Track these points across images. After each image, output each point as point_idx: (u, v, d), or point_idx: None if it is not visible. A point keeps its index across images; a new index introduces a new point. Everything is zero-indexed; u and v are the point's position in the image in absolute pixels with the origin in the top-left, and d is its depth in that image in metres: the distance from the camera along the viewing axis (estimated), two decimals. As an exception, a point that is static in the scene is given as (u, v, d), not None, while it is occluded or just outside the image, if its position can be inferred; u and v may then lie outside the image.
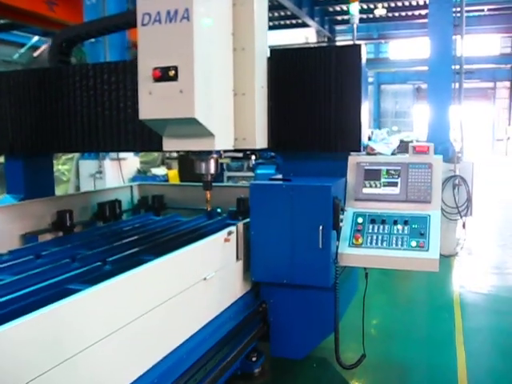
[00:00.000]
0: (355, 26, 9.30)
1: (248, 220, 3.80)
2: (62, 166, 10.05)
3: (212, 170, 3.77)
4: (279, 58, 3.93)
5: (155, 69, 3.20)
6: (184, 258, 3.09)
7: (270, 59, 3.92)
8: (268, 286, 3.78)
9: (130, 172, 9.93)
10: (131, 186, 6.06)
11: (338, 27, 24.37)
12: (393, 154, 4.74)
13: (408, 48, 29.29)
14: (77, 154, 9.70)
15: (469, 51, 16.79)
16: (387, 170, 3.81)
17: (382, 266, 3.58)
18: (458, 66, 8.52)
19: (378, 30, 29.05)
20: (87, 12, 9.31)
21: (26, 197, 4.98)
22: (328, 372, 4.29)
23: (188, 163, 9.38)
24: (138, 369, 2.63)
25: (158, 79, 3.21)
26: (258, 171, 8.92)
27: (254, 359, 3.81)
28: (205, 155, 3.71)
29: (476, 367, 4.42)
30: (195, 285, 3.15)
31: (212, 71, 3.37)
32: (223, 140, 3.59)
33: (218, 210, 5.34)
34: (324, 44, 22.52)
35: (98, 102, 4.30)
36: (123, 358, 2.52)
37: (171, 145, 3.57)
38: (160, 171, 10.31)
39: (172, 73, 3.17)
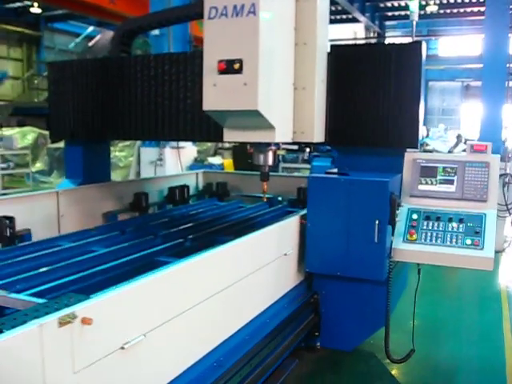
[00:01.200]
0: (414, 22, 9.15)
1: (303, 212, 3.83)
2: (120, 152, 10.32)
3: (270, 161, 3.82)
4: (339, 54, 3.93)
5: (220, 61, 3.25)
6: (261, 238, 3.23)
7: (329, 54, 3.92)
8: (321, 277, 3.81)
9: (188, 160, 10.28)
10: (197, 173, 6.41)
11: (388, 23, 24.05)
12: (449, 151, 4.67)
13: (457, 45, 28.63)
14: (138, 142, 10.02)
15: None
16: (444, 168, 3.77)
17: (436, 262, 3.56)
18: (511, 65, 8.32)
19: (428, 26, 28.51)
20: (153, 5, 9.51)
21: (84, 181, 5.13)
22: (376, 365, 4.32)
23: (241, 153, 9.61)
24: (208, 344, 2.74)
25: (222, 71, 3.26)
26: (315, 163, 9.03)
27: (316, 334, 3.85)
28: (263, 147, 3.75)
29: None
30: (264, 267, 3.24)
31: (274, 65, 3.40)
32: (283, 133, 3.63)
33: (279, 198, 5.55)
34: (373, 39, 22.28)
35: (158, 91, 4.40)
36: (202, 329, 2.67)
37: (232, 136, 3.62)
38: (216, 160, 10.58)
39: (237, 66, 3.22)
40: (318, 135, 3.84)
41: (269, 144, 3.73)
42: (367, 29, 21.97)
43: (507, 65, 8.24)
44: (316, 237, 3.67)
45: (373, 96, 3.83)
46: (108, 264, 3.21)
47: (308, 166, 9.58)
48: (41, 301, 2.36)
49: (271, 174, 3.94)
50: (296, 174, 9.15)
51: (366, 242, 3.48)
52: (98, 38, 20.88)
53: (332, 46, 3.95)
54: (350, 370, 4.21)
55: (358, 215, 3.52)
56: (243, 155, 9.44)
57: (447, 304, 5.98)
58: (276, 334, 3.22)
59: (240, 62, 3.22)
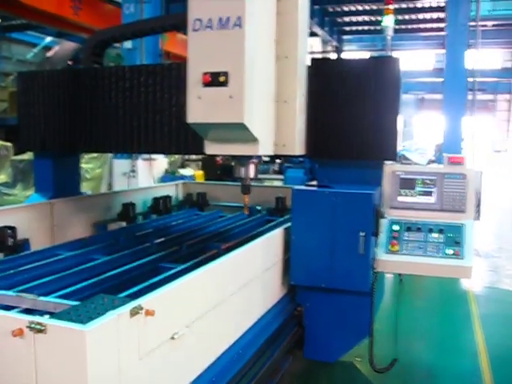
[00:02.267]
0: (389, 37, 9.32)
1: (286, 225, 3.80)
2: (86, 164, 10.19)
3: (251, 174, 3.76)
4: (319, 67, 3.92)
5: (205, 74, 3.19)
6: (250, 252, 3.22)
7: (309, 68, 3.92)
8: (304, 289, 3.77)
9: (159, 172, 10.38)
10: (177, 184, 6.52)
11: (345, 37, 24.48)
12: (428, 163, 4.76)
13: (411, 59, 29.35)
14: (110, 154, 9.97)
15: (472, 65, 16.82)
16: (422, 180, 3.81)
17: (418, 272, 3.58)
18: (471, 79, 8.59)
19: (383, 40, 29.17)
20: (126, 21, 9.50)
21: (55, 195, 4.95)
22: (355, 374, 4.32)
23: (211, 165, 9.61)
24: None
25: (207, 84, 3.20)
26: (288, 174, 9.17)
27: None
28: (245, 160, 3.70)
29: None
30: (252, 281, 3.22)
31: (258, 78, 3.36)
32: (265, 145, 3.58)
33: (258, 208, 5.69)
34: (330, 53, 22.62)
35: (133, 103, 4.29)
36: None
37: (214, 149, 3.55)
38: (187, 172, 10.61)
39: (222, 78, 3.17)
40: (299, 148, 3.82)
41: (250, 157, 3.68)
42: (325, 42, 22.30)
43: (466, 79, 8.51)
44: (301, 249, 3.63)
45: (353, 109, 3.83)
46: (116, 270, 3.33)
47: (279, 176, 9.63)
48: (72, 303, 2.46)
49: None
50: (275, 183, 9.21)
51: (351, 253, 3.47)
52: (56, 48, 20.44)
53: (312, 60, 3.95)
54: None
55: (343, 227, 3.51)
56: (212, 166, 9.42)
57: (419, 305, 6.12)
58: (265, 349, 3.16)
59: (225, 74, 3.17)
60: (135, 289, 2.83)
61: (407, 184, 3.82)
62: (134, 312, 2.02)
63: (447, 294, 6.79)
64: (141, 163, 9.92)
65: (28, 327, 1.85)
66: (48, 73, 4.71)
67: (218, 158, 9.37)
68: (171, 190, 6.35)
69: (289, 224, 3.80)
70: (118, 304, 2.14)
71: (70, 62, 13.84)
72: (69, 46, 18.57)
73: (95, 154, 10.10)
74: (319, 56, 20.08)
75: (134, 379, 2.06)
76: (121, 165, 10.00)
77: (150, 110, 4.25)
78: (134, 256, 3.76)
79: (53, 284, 3.09)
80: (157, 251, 3.89)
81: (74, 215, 4.73)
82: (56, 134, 4.58)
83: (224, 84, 3.17)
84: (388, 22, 9.00)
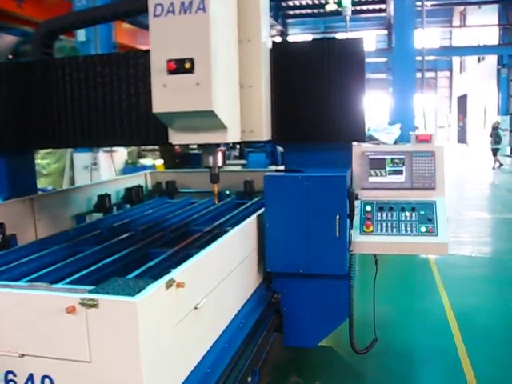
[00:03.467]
0: (348, 18, 9.30)
1: (259, 212, 3.69)
2: (42, 160, 9.92)
3: (219, 162, 3.63)
4: (282, 50, 3.80)
5: (170, 61, 3.01)
6: (229, 242, 3.17)
7: (272, 51, 3.80)
8: (281, 276, 3.67)
9: (119, 163, 10.25)
10: (145, 174, 6.55)
11: (289, 20, 24.48)
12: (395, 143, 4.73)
13: (354, 41, 29.62)
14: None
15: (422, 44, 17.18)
16: (392, 159, 3.77)
17: (394, 251, 3.55)
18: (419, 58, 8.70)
19: (325, 23, 29.31)
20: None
21: (10, 195, 4.67)
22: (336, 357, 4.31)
23: (169, 154, 9.44)
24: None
25: (172, 71, 3.03)
26: (251, 158, 9.16)
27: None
28: (212, 148, 3.57)
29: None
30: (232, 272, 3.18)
31: (223, 64, 3.22)
32: (233, 132, 3.45)
33: (227, 192, 5.84)
34: (276, 37, 22.56)
35: (90, 95, 4.07)
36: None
37: (180, 138, 3.39)
38: (148, 162, 10.48)
39: (188, 65, 3.00)
40: (266, 133, 3.71)
41: (218, 145, 3.55)
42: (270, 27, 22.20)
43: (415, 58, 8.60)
44: (275, 236, 3.52)
45: (318, 91, 3.74)
46: (109, 258, 3.34)
47: (240, 161, 9.57)
48: (86, 287, 2.43)
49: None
50: (240, 168, 9.16)
51: (327, 237, 3.40)
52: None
53: (274, 43, 3.82)
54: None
55: (318, 211, 3.42)
56: (171, 155, 9.26)
57: (385, 273, 6.24)
58: (249, 340, 3.07)
59: (191, 61, 3.00)
60: (135, 273, 2.94)
61: (377, 164, 3.78)
62: (169, 284, 2.18)
63: (409, 263, 7.14)
64: (102, 155, 9.78)
65: (80, 303, 1.99)
66: None
67: (177, 147, 9.18)
68: (140, 179, 6.36)
69: (261, 210, 3.70)
70: (133, 284, 2.25)
71: (10, 56, 13.20)
72: (7, 39, 17.72)
73: (51, 149, 9.80)
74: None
75: (169, 347, 2.21)
76: (82, 158, 9.86)
77: (107, 101, 4.03)
78: (122, 244, 3.82)
79: (52, 274, 3.11)
80: (142, 238, 3.97)
81: (53, 209, 4.71)
82: (8, 130, 4.30)
83: (190, 71, 3.01)
84: (346, 2, 8.97)
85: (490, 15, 29.17)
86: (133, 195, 5.76)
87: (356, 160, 3.83)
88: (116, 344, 1.98)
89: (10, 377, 2.17)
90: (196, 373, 2.47)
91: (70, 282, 2.84)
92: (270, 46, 3.79)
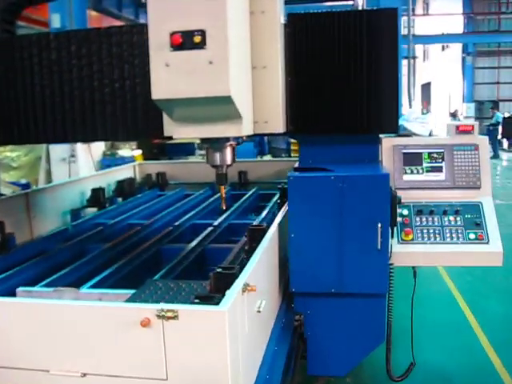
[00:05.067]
0: None
1: (278, 219, 3.08)
2: (11, 152, 9.39)
3: (229, 160, 3.00)
4: (298, 24, 3.17)
5: (174, 33, 2.35)
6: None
7: (286, 26, 3.17)
8: (304, 295, 3.07)
9: (97, 155, 9.90)
10: (134, 166, 6.28)
11: None
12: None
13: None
14: None
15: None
16: (429, 154, 3.21)
17: (440, 263, 3.06)
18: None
19: None
20: None
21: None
22: None
23: (146, 144, 8.80)
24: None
25: (178, 47, 2.36)
26: (239, 148, 8.53)
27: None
28: (221, 143, 2.93)
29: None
30: None
31: (236, 39, 2.58)
32: (248, 124, 2.84)
33: None
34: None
35: (64, 79, 3.33)
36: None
37: (182, 131, 2.74)
38: (126, 153, 10.05)
39: (198, 39, 2.34)
40: (283, 124, 3.09)
41: (227, 139, 2.92)
42: None
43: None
44: (302, 249, 2.89)
45: (343, 74, 3.13)
46: (122, 260, 3.12)
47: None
48: (121, 291, 2.32)
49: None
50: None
51: (366, 249, 2.80)
52: None
53: (290, 16, 3.18)
54: None
55: (354, 219, 2.80)
56: (149, 146, 8.62)
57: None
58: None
59: (202, 33, 2.35)
60: (162, 272, 2.81)
61: (412, 160, 3.19)
62: (244, 289, 2.04)
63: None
64: (80, 147, 9.35)
65: (157, 315, 1.81)
66: None
67: (154, 137, 8.58)
68: (129, 172, 6.09)
69: (279, 218, 3.08)
70: (187, 287, 2.19)
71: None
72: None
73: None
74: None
75: (245, 351, 2.06)
76: (59, 150, 9.35)
77: (85, 87, 3.32)
78: (130, 242, 3.61)
79: (65, 278, 2.90)
80: (149, 235, 3.80)
81: (48, 205, 4.45)
82: None
83: (200, 46, 2.36)
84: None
85: (453, 3, 29.10)
86: (125, 188, 5.51)
87: (387, 155, 3.24)
88: (198, 358, 1.83)
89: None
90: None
91: (92, 286, 2.67)
92: (284, 19, 3.16)
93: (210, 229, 3.80)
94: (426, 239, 2.98)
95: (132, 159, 9.42)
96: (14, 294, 2.69)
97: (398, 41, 3.08)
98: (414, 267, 3.15)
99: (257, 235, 2.90)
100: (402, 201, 3.06)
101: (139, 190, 5.84)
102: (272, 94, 2.99)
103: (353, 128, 3.13)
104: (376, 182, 2.79)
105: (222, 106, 2.51)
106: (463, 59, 28.52)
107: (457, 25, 28.90)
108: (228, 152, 2.97)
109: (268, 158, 10.65)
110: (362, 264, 2.83)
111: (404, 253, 2.96)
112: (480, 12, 28.42)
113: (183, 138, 2.84)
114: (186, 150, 8.65)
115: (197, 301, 2.10)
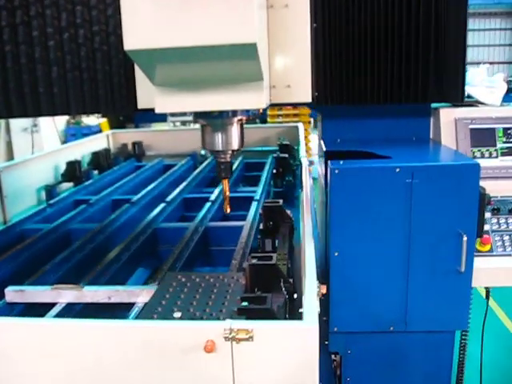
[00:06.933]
0: None
1: (308, 226, 2.19)
2: None
3: (236, 144, 2.09)
4: None
5: None
6: None
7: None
8: (345, 332, 2.21)
9: (61, 124, 9.17)
10: (107, 135, 5.76)
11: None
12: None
13: None
14: None
15: None
16: (504, 130, 2.36)
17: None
18: None
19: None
20: None
21: None
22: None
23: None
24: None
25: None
26: None
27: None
28: (224, 119, 2.02)
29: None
30: None
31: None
32: (266, 89, 1.93)
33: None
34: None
35: (25, 41, 2.33)
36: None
37: (173, 103, 1.82)
38: (92, 121, 9.28)
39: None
40: (310, 90, 2.18)
41: (234, 113, 2.01)
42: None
43: None
44: (349, 274, 2.02)
45: (391, 23, 2.23)
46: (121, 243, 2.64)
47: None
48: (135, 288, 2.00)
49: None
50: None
51: (443, 271, 1.96)
52: None
53: None
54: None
55: (427, 229, 1.95)
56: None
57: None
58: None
59: None
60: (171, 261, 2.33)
61: (483, 138, 2.34)
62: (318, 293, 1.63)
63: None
64: None
65: (225, 337, 1.39)
66: None
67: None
68: (103, 142, 5.56)
69: (308, 225, 2.19)
70: (202, 281, 1.87)
71: None
72: None
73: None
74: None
75: None
76: (19, 119, 8.28)
77: (36, 43, 2.32)
78: (119, 221, 3.16)
79: (59, 269, 2.42)
80: (142, 211, 3.37)
81: (20, 182, 4.02)
82: None
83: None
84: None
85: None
86: (101, 160, 5.02)
87: (447, 131, 2.37)
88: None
89: None
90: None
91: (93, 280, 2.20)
92: None
93: (208, 204, 3.27)
94: (509, 249, 2.16)
95: (98, 128, 8.75)
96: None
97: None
98: (487, 287, 2.33)
99: (274, 214, 2.37)
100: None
101: (115, 162, 5.37)
102: (297, 47, 2.08)
103: (403, 96, 2.24)
104: (463, 174, 1.92)
105: (237, 62, 1.60)
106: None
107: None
108: (234, 132, 2.06)
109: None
110: (438, 292, 1.98)
111: (480, 269, 2.12)
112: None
113: (174, 112, 1.91)
114: (155, 116, 7.72)
115: (245, 304, 1.63)
